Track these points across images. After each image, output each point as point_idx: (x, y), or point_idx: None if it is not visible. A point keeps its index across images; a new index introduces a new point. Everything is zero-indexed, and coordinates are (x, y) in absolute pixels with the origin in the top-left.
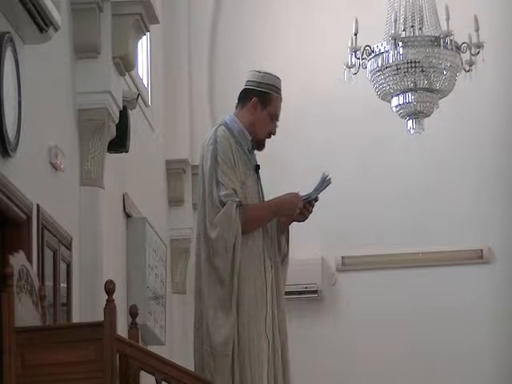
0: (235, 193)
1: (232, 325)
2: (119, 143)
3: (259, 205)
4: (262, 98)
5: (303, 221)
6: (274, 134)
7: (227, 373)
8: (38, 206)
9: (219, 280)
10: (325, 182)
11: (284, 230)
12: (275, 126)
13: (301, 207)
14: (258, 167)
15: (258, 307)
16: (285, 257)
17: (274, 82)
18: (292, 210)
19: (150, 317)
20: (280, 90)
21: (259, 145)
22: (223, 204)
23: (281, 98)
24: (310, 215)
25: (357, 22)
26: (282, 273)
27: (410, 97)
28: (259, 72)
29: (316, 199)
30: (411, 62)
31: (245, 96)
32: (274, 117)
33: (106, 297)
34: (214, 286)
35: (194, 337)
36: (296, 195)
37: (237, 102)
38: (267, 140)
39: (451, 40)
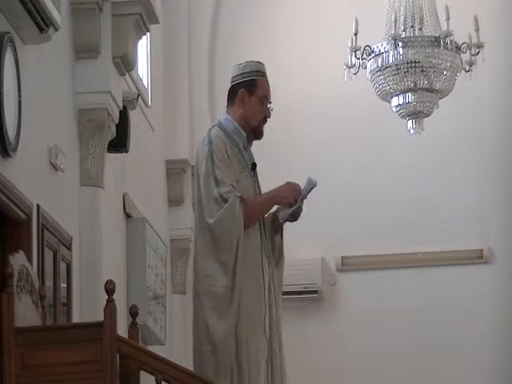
0: (235, 189)
1: (232, 322)
2: (119, 143)
3: (259, 198)
4: (248, 87)
5: (295, 220)
6: (269, 117)
7: (229, 371)
8: (38, 206)
9: (222, 274)
10: (311, 184)
11: (279, 229)
12: (268, 109)
13: (297, 197)
14: (254, 165)
15: (255, 306)
16: (280, 257)
17: (255, 67)
18: (290, 194)
19: (150, 317)
20: (264, 72)
21: (257, 134)
22: (225, 200)
23: (267, 80)
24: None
25: (357, 22)
26: (279, 273)
27: (409, 97)
28: (239, 64)
29: (303, 197)
30: (411, 62)
31: (232, 92)
32: (265, 99)
33: (106, 297)
34: (214, 283)
35: (193, 338)
36: (296, 184)
37: (227, 101)
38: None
39: (451, 40)
